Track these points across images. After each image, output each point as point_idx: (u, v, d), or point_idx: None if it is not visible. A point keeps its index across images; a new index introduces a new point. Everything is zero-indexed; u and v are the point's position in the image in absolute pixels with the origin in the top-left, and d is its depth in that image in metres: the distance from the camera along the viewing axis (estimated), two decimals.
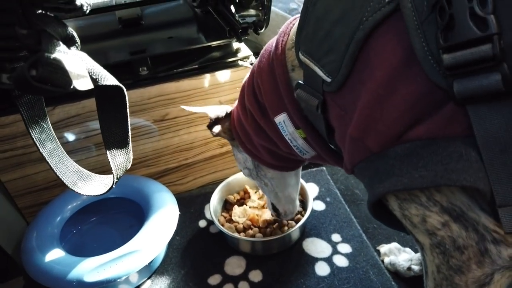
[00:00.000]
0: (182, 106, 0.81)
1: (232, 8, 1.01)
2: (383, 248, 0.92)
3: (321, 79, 0.49)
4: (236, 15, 1.01)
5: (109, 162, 0.53)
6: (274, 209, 0.91)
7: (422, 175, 0.40)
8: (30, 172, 1.00)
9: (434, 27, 0.38)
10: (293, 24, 0.58)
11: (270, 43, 0.63)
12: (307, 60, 0.51)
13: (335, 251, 0.94)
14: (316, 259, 0.93)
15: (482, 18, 0.35)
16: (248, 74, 0.70)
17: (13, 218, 1.02)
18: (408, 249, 0.90)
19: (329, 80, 0.48)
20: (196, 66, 1.04)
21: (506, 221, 0.39)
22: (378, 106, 0.43)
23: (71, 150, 1.00)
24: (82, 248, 0.99)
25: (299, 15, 0.54)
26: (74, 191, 0.53)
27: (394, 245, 0.91)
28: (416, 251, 0.89)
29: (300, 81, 0.54)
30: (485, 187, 0.39)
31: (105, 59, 1.03)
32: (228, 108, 0.80)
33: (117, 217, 1.07)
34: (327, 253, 0.94)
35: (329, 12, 0.47)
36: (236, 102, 0.77)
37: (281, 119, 0.61)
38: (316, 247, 0.96)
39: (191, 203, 1.13)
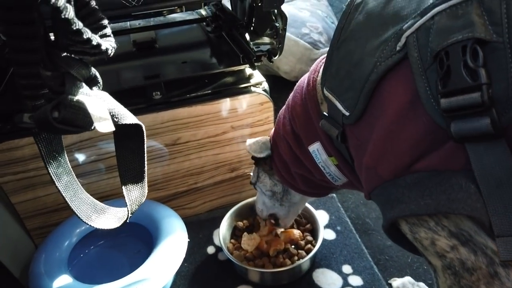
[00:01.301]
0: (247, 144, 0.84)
1: (247, 36, 1.02)
2: (396, 282, 0.90)
3: (341, 113, 0.55)
4: (251, 43, 1.02)
5: (124, 196, 0.53)
6: (275, 219, 0.94)
7: (427, 203, 0.45)
8: (41, 194, 1.00)
9: (435, 74, 0.43)
10: (322, 63, 0.64)
11: (302, 80, 0.70)
12: (329, 95, 0.57)
13: (346, 284, 0.92)
14: None
15: (474, 70, 0.40)
16: (284, 107, 0.77)
17: (21, 240, 1.02)
18: (422, 284, 0.88)
19: (347, 114, 0.54)
20: (209, 91, 1.04)
21: (503, 250, 0.42)
22: (389, 140, 0.48)
23: (82, 172, 1.00)
24: (89, 273, 0.97)
25: (325, 56, 0.61)
26: (88, 225, 0.53)
27: (408, 279, 0.89)
28: (430, 286, 0.87)
29: (325, 113, 0.61)
30: (482, 217, 0.43)
31: (120, 82, 1.04)
32: (267, 139, 0.84)
33: (125, 241, 1.06)
34: (337, 285, 0.92)
35: (350, 55, 0.53)
36: (272, 132, 0.82)
37: (315, 147, 0.66)
38: (327, 278, 0.94)
39: (200, 228, 1.12)
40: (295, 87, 0.72)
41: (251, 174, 0.91)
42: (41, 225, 1.04)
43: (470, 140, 0.42)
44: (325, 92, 0.58)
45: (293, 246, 0.98)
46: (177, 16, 1.40)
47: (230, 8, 1.24)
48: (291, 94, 0.73)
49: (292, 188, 0.82)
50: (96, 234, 1.01)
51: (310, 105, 0.64)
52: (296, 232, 1.01)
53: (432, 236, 0.47)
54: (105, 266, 1.00)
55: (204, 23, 1.35)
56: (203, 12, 1.42)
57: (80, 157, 0.99)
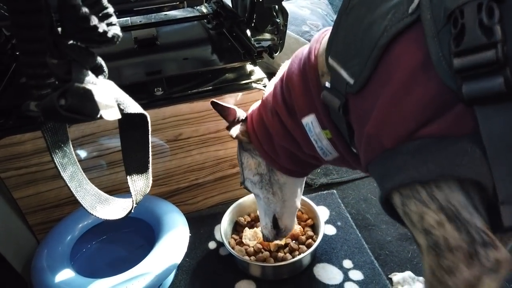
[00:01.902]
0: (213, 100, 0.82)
1: (248, 32, 1.02)
2: (396, 277, 0.90)
3: (345, 81, 0.53)
4: (252, 39, 1.02)
5: (128, 186, 0.53)
6: (275, 226, 0.88)
7: (429, 169, 0.44)
8: (43, 190, 1.00)
9: (449, 35, 0.42)
10: (325, 34, 0.62)
11: (301, 51, 0.67)
12: (334, 63, 0.55)
13: (347, 278, 0.93)
14: (327, 286, 0.91)
15: (489, 27, 0.39)
16: (275, 78, 0.74)
17: (23, 235, 1.02)
18: (422, 278, 0.89)
19: (352, 81, 0.52)
20: (210, 87, 1.05)
21: (507, 216, 0.42)
22: (395, 105, 0.47)
23: (84, 168, 1.00)
24: (91, 267, 0.98)
25: (331, 27, 0.59)
26: (93, 215, 0.53)
27: (408, 273, 0.90)
28: None
29: (327, 84, 0.59)
30: (487, 182, 0.43)
31: (122, 78, 1.05)
32: (244, 113, 0.82)
33: (127, 236, 1.06)
34: (338, 279, 0.93)
35: (359, 21, 0.51)
36: (255, 106, 0.81)
37: (308, 120, 0.64)
38: (327, 273, 0.95)
39: (201, 224, 1.12)
40: (292, 58, 0.69)
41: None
42: (43, 220, 1.04)
43: (480, 102, 0.41)
44: (330, 60, 0.56)
45: (294, 241, 0.98)
46: (178, 13, 1.41)
47: (231, 5, 1.25)
48: (287, 65, 0.70)
49: (273, 164, 0.78)
50: (98, 229, 1.02)
51: (310, 76, 0.62)
52: (297, 227, 1.01)
53: (421, 210, 0.47)
54: (107, 260, 1.00)
55: (205, 20, 1.35)
56: (204, 9, 1.43)
57: (82, 152, 1.00)
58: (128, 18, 1.33)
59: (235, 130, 0.79)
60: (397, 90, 0.47)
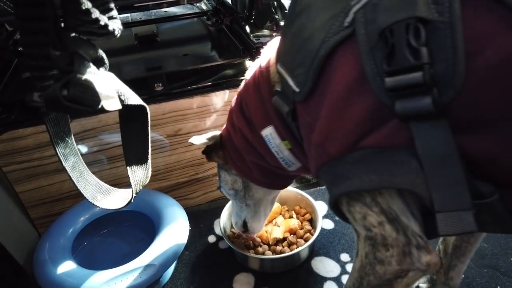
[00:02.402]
0: (190, 140, 0.80)
1: (247, 28, 1.03)
2: None
3: (292, 89, 0.54)
4: (251, 35, 1.03)
5: (128, 176, 0.55)
6: (244, 226, 0.91)
7: (371, 178, 0.46)
8: (44, 184, 1.01)
9: (382, 52, 0.43)
10: (277, 43, 0.62)
11: (254, 65, 0.68)
12: (282, 70, 0.56)
13: (344, 271, 0.94)
14: (325, 279, 0.93)
15: (417, 48, 0.40)
16: (236, 96, 0.74)
17: (25, 229, 1.04)
18: None
19: (297, 90, 0.53)
20: (210, 83, 1.06)
21: (443, 225, 0.44)
22: (336, 117, 0.48)
23: (85, 162, 1.02)
24: (92, 260, 0.99)
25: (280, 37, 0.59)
26: (93, 204, 0.54)
27: None
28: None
29: (278, 89, 0.59)
30: (422, 192, 0.45)
31: (122, 74, 1.06)
32: (217, 132, 0.81)
33: (128, 230, 1.07)
34: (335, 272, 0.94)
35: (302, 30, 0.52)
36: (225, 125, 0.80)
37: (267, 132, 0.64)
38: (325, 266, 0.96)
39: (201, 218, 1.13)
40: (249, 69, 0.70)
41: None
42: (45, 214, 1.05)
43: (413, 118, 0.43)
44: (278, 67, 0.57)
45: (292, 235, 1.00)
46: (178, 10, 1.42)
47: (230, 2, 1.26)
48: (243, 82, 0.71)
49: (249, 179, 0.79)
50: (99, 223, 1.03)
51: (263, 87, 0.62)
52: (295, 222, 1.02)
53: (365, 212, 0.49)
54: (109, 253, 1.01)
55: (205, 17, 1.37)
56: (203, 6, 1.44)
57: (83, 147, 1.01)
58: (129, 14, 1.35)
59: (211, 155, 0.81)
60: (337, 103, 0.48)
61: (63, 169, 0.52)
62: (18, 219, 1.02)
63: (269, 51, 0.64)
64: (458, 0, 0.39)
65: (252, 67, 0.68)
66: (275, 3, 0.97)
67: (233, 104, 0.74)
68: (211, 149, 0.81)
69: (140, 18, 1.37)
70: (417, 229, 0.48)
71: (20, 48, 1.11)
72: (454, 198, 0.44)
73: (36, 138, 0.95)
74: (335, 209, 0.54)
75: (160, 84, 1.03)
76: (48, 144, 0.97)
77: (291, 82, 0.54)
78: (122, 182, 1.07)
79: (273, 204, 0.92)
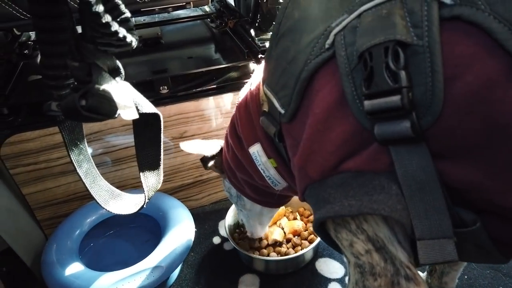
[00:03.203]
0: (181, 144, 0.82)
1: (252, 32, 1.04)
2: None
3: (278, 110, 0.54)
4: (256, 38, 1.04)
5: (133, 178, 0.55)
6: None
7: (350, 203, 0.45)
8: (51, 186, 1.02)
9: (361, 75, 0.42)
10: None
11: (246, 86, 0.69)
12: (268, 92, 0.56)
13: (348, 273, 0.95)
14: (329, 280, 0.94)
15: (395, 72, 0.39)
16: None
17: (32, 230, 1.05)
18: (420, 273, 0.91)
19: (283, 112, 0.52)
20: (215, 86, 1.07)
21: (423, 253, 0.42)
22: (317, 140, 0.47)
23: None
24: (99, 261, 1.00)
25: None
26: (106, 210, 0.55)
27: None
28: (422, 271, 0.90)
29: (265, 109, 0.59)
30: (402, 219, 0.43)
31: (128, 77, 1.06)
32: (221, 142, 0.82)
33: (134, 231, 1.08)
34: (340, 273, 0.95)
35: (286, 52, 0.51)
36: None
37: (255, 149, 0.65)
38: (329, 267, 0.97)
39: (206, 219, 1.15)
40: (240, 95, 0.71)
41: None
42: (51, 216, 1.06)
43: (392, 143, 0.42)
44: (264, 88, 0.57)
45: (296, 237, 1.01)
46: (182, 12, 1.43)
47: (234, 5, 1.27)
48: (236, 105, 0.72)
49: (243, 194, 0.80)
50: (105, 225, 1.04)
51: (252, 106, 0.63)
52: (300, 223, 1.04)
53: (351, 239, 0.48)
54: (115, 255, 1.03)
55: (208, 20, 1.37)
56: (207, 8, 1.44)
57: (89, 149, 1.01)
58: (132, 17, 1.35)
59: (210, 163, 0.82)
60: (318, 125, 0.47)
61: (78, 176, 0.53)
62: (24, 220, 1.03)
63: (259, 71, 0.63)
64: (437, 24, 0.38)
65: (244, 88, 0.69)
66: (280, 6, 0.97)
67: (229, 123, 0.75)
68: (209, 158, 0.82)
69: (144, 20, 1.38)
70: (405, 259, 0.46)
71: (26, 51, 1.12)
72: (434, 226, 0.42)
73: (43, 140, 0.96)
74: (323, 234, 0.53)
75: (166, 87, 1.04)
76: (54, 146, 0.98)
77: (276, 104, 0.53)
78: (128, 184, 1.08)
79: (271, 218, 0.94)
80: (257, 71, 0.66)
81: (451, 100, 0.38)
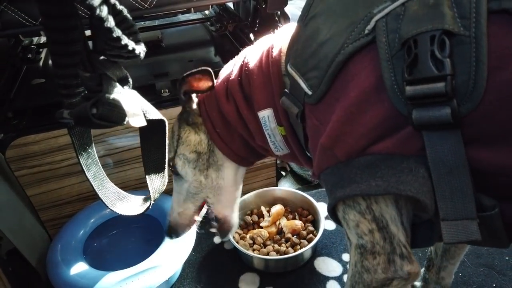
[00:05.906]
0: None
1: (251, 36, 1.06)
2: None
3: (303, 91, 0.55)
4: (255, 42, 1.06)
5: (137, 184, 0.58)
6: (216, 219, 0.82)
7: (378, 184, 0.47)
8: (55, 187, 1.04)
9: (402, 61, 0.44)
10: (291, 31, 0.61)
11: (265, 41, 0.67)
12: (293, 72, 0.56)
13: (346, 271, 0.98)
14: (328, 278, 0.96)
15: (440, 60, 0.42)
16: (235, 62, 0.70)
17: (36, 231, 1.07)
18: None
19: (310, 93, 0.54)
20: None
21: (446, 233, 0.46)
22: (349, 122, 0.49)
23: None
24: (103, 261, 1.02)
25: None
26: (113, 211, 0.58)
27: None
28: (427, 273, 0.92)
29: (286, 90, 0.60)
30: (427, 200, 0.46)
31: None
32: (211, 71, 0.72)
33: (136, 231, 1.11)
34: (338, 272, 0.98)
35: (317, 33, 0.52)
36: (218, 80, 0.73)
37: (265, 114, 0.64)
38: (327, 266, 1.00)
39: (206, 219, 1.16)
40: (255, 45, 0.69)
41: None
42: (55, 216, 1.08)
43: (428, 128, 0.44)
44: (289, 69, 0.57)
45: (295, 236, 1.03)
46: (182, 16, 1.45)
47: (233, 9, 1.29)
48: (248, 51, 0.69)
49: (222, 148, 0.72)
50: (108, 225, 1.06)
51: (273, 71, 0.61)
52: (298, 223, 1.06)
53: (358, 219, 0.51)
54: (118, 254, 1.05)
55: (208, 23, 1.39)
56: (206, 12, 1.46)
57: None
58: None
59: (192, 97, 0.73)
60: (351, 108, 0.49)
61: (86, 179, 0.55)
62: (29, 221, 1.05)
63: (281, 40, 0.62)
64: (485, 16, 0.41)
65: (260, 43, 0.67)
66: (279, 11, 1.00)
67: (229, 70, 0.70)
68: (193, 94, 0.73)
69: (144, 23, 1.40)
70: (403, 238, 0.50)
71: (29, 56, 1.14)
72: (460, 207, 0.45)
73: (47, 143, 0.98)
74: (333, 213, 0.56)
75: (167, 90, 1.06)
76: (58, 149, 1.00)
77: (303, 85, 0.54)
78: (130, 185, 1.10)
79: (239, 186, 0.82)
80: (279, 36, 0.64)
81: (493, 89, 0.41)
